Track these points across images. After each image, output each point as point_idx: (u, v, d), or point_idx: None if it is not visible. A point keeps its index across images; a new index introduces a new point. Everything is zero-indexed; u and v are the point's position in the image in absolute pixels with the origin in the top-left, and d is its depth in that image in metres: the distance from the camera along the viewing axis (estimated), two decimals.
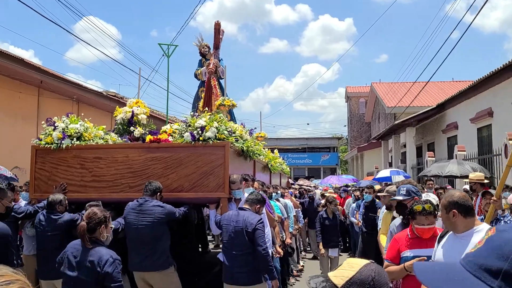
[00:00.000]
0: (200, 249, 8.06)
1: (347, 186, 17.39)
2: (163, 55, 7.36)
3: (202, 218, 8.43)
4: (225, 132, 5.37)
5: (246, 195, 5.35)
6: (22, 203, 6.96)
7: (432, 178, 9.99)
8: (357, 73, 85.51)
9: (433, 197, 4.82)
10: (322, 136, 42.28)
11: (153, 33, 79.93)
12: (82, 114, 5.90)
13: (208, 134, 5.26)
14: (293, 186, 13.55)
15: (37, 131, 13.15)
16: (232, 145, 5.44)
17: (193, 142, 5.30)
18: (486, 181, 7.12)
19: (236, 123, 6.70)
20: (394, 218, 5.08)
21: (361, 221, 9.57)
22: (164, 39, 75.63)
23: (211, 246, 11.48)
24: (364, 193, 9.96)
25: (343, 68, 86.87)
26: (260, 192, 5.61)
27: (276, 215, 6.72)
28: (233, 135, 5.60)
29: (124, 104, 6.30)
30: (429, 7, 71.01)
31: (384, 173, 16.40)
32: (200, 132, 5.30)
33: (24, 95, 13.14)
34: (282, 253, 6.41)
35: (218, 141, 5.31)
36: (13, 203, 5.29)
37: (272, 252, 5.61)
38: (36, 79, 13.14)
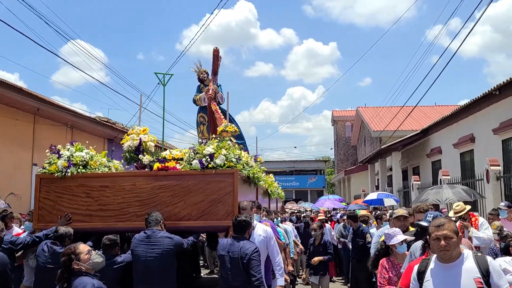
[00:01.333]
0: (193, 275, 7.71)
1: (334, 209, 17.18)
2: (158, 84, 7.17)
3: (196, 244, 8.12)
4: (234, 159, 5.13)
5: (256, 222, 5.13)
6: (15, 230, 6.61)
7: (432, 207, 9.84)
8: (341, 96, 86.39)
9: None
10: (309, 159, 42.23)
11: (140, 56, 79.66)
12: (74, 139, 5.61)
13: (217, 161, 5.06)
14: (287, 210, 13.28)
15: (33, 157, 12.77)
16: (240, 172, 5.18)
17: (202, 170, 5.04)
18: (468, 207, 7.11)
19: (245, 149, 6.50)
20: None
21: (351, 248, 9.37)
22: (151, 62, 75.54)
23: (204, 271, 11.11)
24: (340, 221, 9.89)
25: (328, 91, 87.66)
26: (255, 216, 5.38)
27: (282, 242, 6.47)
28: (240, 162, 5.36)
29: (116, 130, 6.05)
30: (409, 33, 72.33)
31: (372, 196, 16.33)
32: (208, 159, 5.05)
33: (21, 122, 12.89)
34: (289, 280, 6.14)
35: (227, 169, 5.09)
36: (4, 232, 4.94)
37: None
38: (33, 107, 12.91)
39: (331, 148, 39.87)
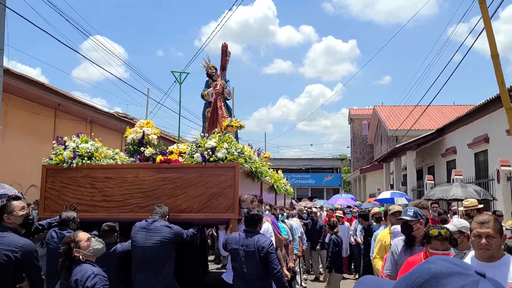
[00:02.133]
0: (200, 269, 7.73)
1: (349, 207, 16.95)
2: (175, 81, 7.17)
3: (205, 238, 8.13)
4: (235, 153, 5.12)
5: None
6: None
7: (437, 202, 9.67)
8: (360, 94, 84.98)
9: (462, 222, 4.50)
10: (325, 157, 41.84)
11: (159, 52, 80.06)
12: (93, 134, 5.69)
13: (219, 154, 5.10)
14: (296, 206, 13.17)
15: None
16: (241, 166, 5.18)
17: (203, 163, 5.03)
18: (480, 205, 6.91)
19: (238, 143, 6.47)
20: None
21: (362, 245, 9.27)
22: (170, 58, 75.76)
23: (215, 266, 11.11)
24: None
25: (346, 89, 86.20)
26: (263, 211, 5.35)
27: (283, 237, 6.42)
28: (242, 156, 5.34)
29: (134, 125, 6.09)
30: (432, 30, 70.64)
31: (385, 194, 16.10)
32: (210, 153, 5.07)
33: (42, 117, 13.18)
34: (289, 276, 6.08)
35: (228, 162, 5.10)
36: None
37: None
38: (54, 102, 13.17)
39: (348, 147, 39.40)
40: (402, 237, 4.32)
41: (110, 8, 73.52)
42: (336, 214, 11.54)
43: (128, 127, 5.79)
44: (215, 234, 10.12)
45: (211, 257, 12.02)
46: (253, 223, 4.62)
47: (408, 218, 4.21)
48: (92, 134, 5.63)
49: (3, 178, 11.01)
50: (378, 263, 5.27)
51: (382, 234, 5.58)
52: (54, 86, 13.40)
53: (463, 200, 9.10)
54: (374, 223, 8.96)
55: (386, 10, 75.35)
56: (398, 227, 4.69)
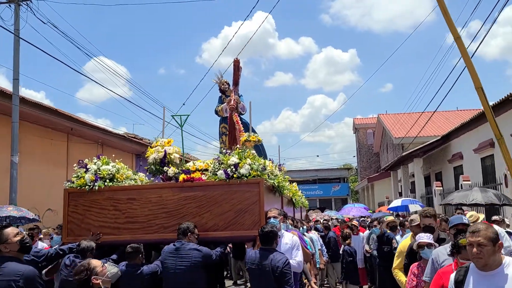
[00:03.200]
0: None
1: (362, 217, 16.63)
2: (170, 121, 6.72)
3: (225, 254, 7.84)
4: (259, 168, 4.90)
5: (283, 231, 4.95)
6: (39, 245, 6.51)
7: (462, 208, 9.35)
8: (362, 102, 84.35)
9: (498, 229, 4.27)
10: (332, 167, 41.42)
11: (161, 70, 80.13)
12: (104, 155, 5.48)
13: (242, 171, 4.89)
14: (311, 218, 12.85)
15: (67, 174, 12.92)
16: (265, 181, 4.97)
17: (227, 180, 4.81)
18: (482, 216, 6.68)
19: (267, 157, 6.26)
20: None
21: (376, 255, 8.91)
22: (172, 76, 75.67)
23: (229, 282, 10.79)
24: (371, 228, 9.35)
25: (349, 98, 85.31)
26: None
27: (308, 250, 6.17)
28: (265, 171, 5.13)
29: (144, 145, 5.90)
30: (431, 36, 70.39)
31: (396, 202, 15.82)
32: (234, 169, 4.85)
33: (55, 142, 13.09)
34: None
35: (253, 178, 4.95)
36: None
37: None
38: (67, 127, 13.10)
39: (354, 156, 39.01)
40: (446, 245, 4.08)
41: (109, 29, 74.10)
42: (352, 223, 11.21)
43: (149, 147, 5.58)
44: (228, 250, 9.82)
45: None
46: (269, 240, 4.38)
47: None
48: (103, 155, 5.39)
49: (21, 203, 10.90)
50: (399, 275, 5.07)
51: (403, 244, 5.31)
52: (65, 111, 13.32)
53: (483, 205, 8.83)
54: (388, 231, 8.69)
55: (384, 18, 75.46)
56: (421, 235, 4.47)
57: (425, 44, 72.38)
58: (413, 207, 14.67)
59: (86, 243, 4.64)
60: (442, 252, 3.93)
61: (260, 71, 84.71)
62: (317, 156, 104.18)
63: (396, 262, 5.22)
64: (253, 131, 6.74)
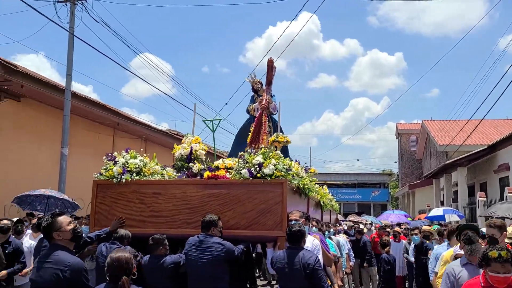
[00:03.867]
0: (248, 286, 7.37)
1: (399, 225, 16.04)
2: (205, 121, 6.63)
3: (251, 254, 7.80)
4: (283, 169, 4.82)
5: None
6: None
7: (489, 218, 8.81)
8: (406, 107, 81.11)
9: None
10: (372, 172, 40.37)
11: (205, 69, 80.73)
12: (144, 152, 5.57)
13: (266, 171, 4.83)
14: (343, 222, 12.52)
15: None
16: (289, 182, 4.87)
17: (250, 179, 4.77)
18: None
19: (291, 159, 6.14)
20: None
21: (414, 265, 8.52)
22: (215, 74, 76.20)
23: (261, 283, 10.71)
24: (411, 236, 8.92)
25: (392, 102, 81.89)
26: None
27: (332, 253, 6.01)
28: (290, 172, 5.03)
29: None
30: (482, 41, 66.86)
31: (437, 211, 15.10)
32: (258, 169, 4.80)
33: (102, 135, 13.54)
34: None
35: (276, 179, 4.87)
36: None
37: None
38: (113, 122, 13.52)
39: (395, 162, 37.75)
40: (458, 260, 3.99)
41: (156, 27, 75.77)
42: (395, 230, 10.81)
43: (175, 143, 5.64)
44: (260, 250, 9.76)
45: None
46: (296, 239, 4.32)
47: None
48: (142, 150, 5.47)
49: (69, 193, 11.38)
50: (440, 283, 4.79)
51: (449, 253, 5.04)
52: (111, 106, 13.78)
53: None
54: (427, 242, 8.34)
55: (433, 22, 72.35)
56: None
57: (475, 49, 68.79)
58: (449, 217, 14.00)
59: (124, 231, 4.73)
60: (456, 265, 3.81)
61: (303, 72, 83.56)
62: (357, 160, 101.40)
63: (441, 272, 4.94)
64: (281, 131, 6.66)
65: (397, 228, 11.12)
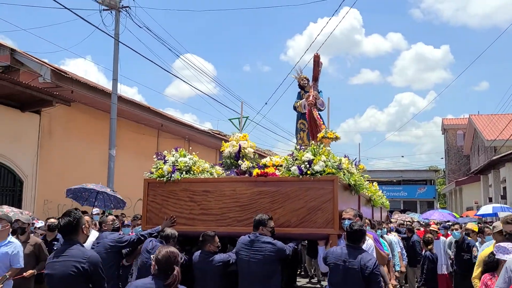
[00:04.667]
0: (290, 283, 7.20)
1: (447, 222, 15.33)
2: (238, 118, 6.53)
3: (298, 252, 7.63)
4: (334, 166, 4.62)
5: None
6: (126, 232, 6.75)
7: None
8: (454, 101, 77.09)
9: None
10: (418, 169, 38.88)
11: (246, 67, 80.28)
12: (191, 149, 5.53)
13: (317, 167, 4.67)
14: (392, 220, 12.10)
15: None
16: (340, 179, 4.69)
17: (300, 176, 4.62)
18: None
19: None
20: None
21: (454, 262, 8.07)
22: (257, 73, 75.69)
23: (304, 280, 10.47)
24: (451, 231, 8.45)
25: (439, 97, 77.88)
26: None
27: (385, 253, 5.75)
28: (341, 169, 4.83)
29: (227, 141, 5.82)
30: None
31: (486, 209, 14.34)
32: (307, 165, 4.64)
33: (147, 137, 13.76)
34: None
35: (327, 175, 4.70)
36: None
37: None
38: (157, 123, 13.70)
39: (442, 158, 36.17)
40: None
41: (197, 28, 76.32)
42: (431, 228, 10.33)
43: (223, 141, 5.56)
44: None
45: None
46: (357, 238, 4.13)
47: None
48: (191, 149, 5.43)
49: (120, 192, 11.64)
50: (478, 286, 4.54)
51: (484, 252, 4.71)
52: (156, 108, 13.98)
53: None
54: (469, 238, 7.92)
55: (480, 12, 68.72)
56: (502, 244, 3.93)
57: None
58: (502, 215, 13.23)
59: (170, 230, 4.69)
60: None
61: (345, 68, 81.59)
62: (402, 156, 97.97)
63: (476, 271, 4.73)
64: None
65: (433, 226, 10.58)
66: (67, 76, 11.97)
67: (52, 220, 6.24)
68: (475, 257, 6.65)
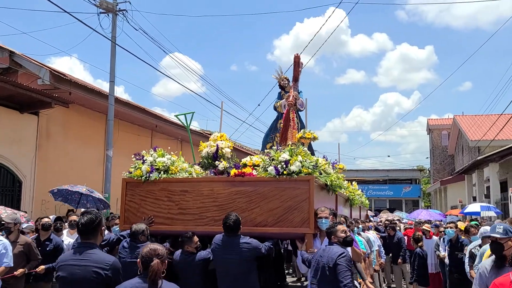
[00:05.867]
0: (278, 283, 7.04)
1: (429, 222, 15.14)
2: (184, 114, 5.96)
3: (280, 251, 7.50)
4: (310, 166, 4.48)
5: None
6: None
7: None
8: (438, 101, 76.44)
9: None
10: (403, 168, 38.66)
11: (233, 67, 79.41)
12: (181, 151, 5.35)
13: (293, 168, 4.54)
14: (373, 218, 11.91)
15: None
16: (316, 179, 4.53)
17: (277, 176, 4.47)
18: None
19: (314, 155, 5.77)
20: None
21: (448, 261, 7.88)
22: (244, 72, 74.90)
23: (291, 279, 10.31)
24: (446, 229, 8.27)
25: (424, 97, 76.87)
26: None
27: (361, 250, 5.60)
28: (317, 169, 4.69)
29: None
30: None
31: (474, 207, 14.14)
32: (284, 166, 4.50)
33: (141, 137, 13.57)
34: None
35: (303, 176, 4.57)
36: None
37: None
38: (152, 124, 13.52)
39: (427, 157, 36.01)
40: (493, 257, 3.59)
41: (185, 27, 75.25)
42: (423, 227, 10.17)
43: (201, 141, 5.40)
44: (289, 247, 9.36)
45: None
46: (329, 236, 4.09)
47: (498, 236, 3.50)
48: (177, 152, 5.26)
49: (113, 192, 11.44)
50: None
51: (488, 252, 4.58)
52: (151, 109, 13.81)
53: None
54: (463, 237, 7.74)
55: (464, 14, 68.23)
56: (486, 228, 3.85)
57: (508, 40, 64.18)
58: (485, 214, 13.11)
59: (135, 226, 4.51)
60: (488, 264, 3.49)
61: (331, 68, 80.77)
62: (388, 156, 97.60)
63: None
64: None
65: (426, 225, 10.41)
66: (66, 78, 11.81)
67: (45, 219, 6.05)
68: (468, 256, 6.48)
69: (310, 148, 6.67)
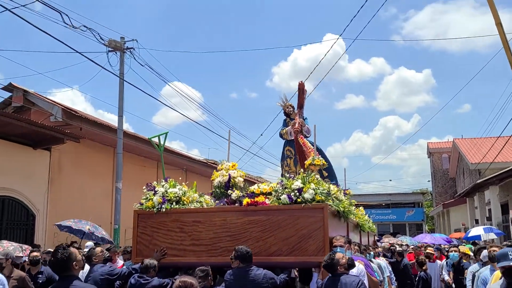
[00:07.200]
0: None
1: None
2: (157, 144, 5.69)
3: (294, 282, 7.16)
4: (323, 193, 4.29)
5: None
6: (119, 263, 6.33)
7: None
8: (437, 124, 75.16)
9: None
10: (406, 192, 37.87)
11: (233, 95, 78.83)
12: (185, 181, 5.17)
13: (306, 195, 4.32)
14: (379, 242, 11.50)
15: None
16: (330, 206, 4.33)
17: (291, 204, 4.31)
18: None
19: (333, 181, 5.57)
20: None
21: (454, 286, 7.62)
22: (244, 100, 74.64)
23: None
24: (450, 253, 8.02)
25: (423, 119, 75.47)
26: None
27: (376, 279, 5.31)
28: (330, 196, 4.50)
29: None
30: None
31: (477, 231, 13.71)
32: (297, 194, 4.29)
33: (147, 168, 13.47)
34: None
35: (317, 203, 4.37)
36: (109, 264, 4.63)
37: None
38: (157, 155, 13.40)
39: (429, 180, 35.39)
40: (501, 281, 3.32)
41: (185, 58, 75.22)
42: (427, 251, 9.84)
43: (214, 170, 5.23)
44: (296, 274, 8.94)
45: None
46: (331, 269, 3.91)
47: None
48: (181, 179, 5.08)
49: (123, 223, 11.20)
50: None
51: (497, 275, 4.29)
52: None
53: None
54: (464, 261, 7.52)
55: (459, 38, 68.39)
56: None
57: (504, 62, 64.04)
58: (485, 236, 12.73)
59: (148, 260, 4.30)
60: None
61: (330, 94, 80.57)
62: (390, 180, 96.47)
63: None
64: (322, 154, 6.11)
65: (429, 249, 10.07)
66: (77, 114, 11.86)
67: (34, 253, 5.88)
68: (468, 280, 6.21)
69: (321, 175, 6.49)
